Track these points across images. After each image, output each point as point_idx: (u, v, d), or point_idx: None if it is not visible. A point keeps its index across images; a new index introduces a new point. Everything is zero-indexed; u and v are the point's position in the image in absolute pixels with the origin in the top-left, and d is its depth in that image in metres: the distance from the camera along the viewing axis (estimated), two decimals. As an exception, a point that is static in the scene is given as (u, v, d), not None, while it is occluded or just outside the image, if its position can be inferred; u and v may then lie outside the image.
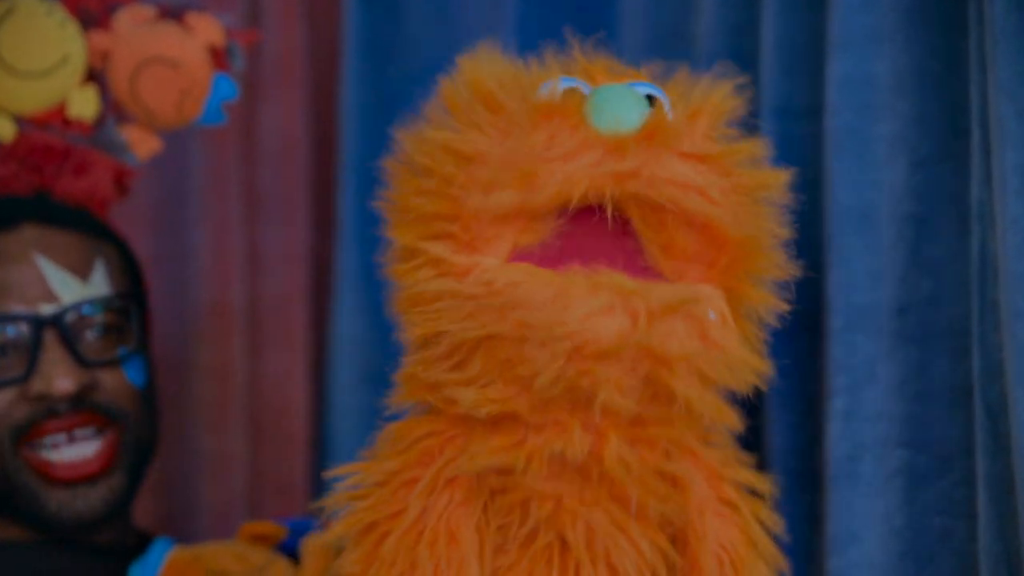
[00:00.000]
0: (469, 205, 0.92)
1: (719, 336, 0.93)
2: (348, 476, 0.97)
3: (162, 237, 1.53)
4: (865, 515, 1.11)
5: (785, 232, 0.99)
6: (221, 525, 1.51)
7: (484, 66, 0.97)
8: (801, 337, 1.18)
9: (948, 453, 1.10)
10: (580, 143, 0.91)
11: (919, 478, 1.10)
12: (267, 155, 1.55)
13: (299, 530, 1.18)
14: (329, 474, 0.97)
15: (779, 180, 0.99)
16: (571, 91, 0.94)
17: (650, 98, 0.95)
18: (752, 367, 0.96)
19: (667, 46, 1.34)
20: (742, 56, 1.25)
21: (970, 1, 1.06)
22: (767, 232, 0.98)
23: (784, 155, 1.19)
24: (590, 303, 0.89)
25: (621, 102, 0.92)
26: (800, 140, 1.18)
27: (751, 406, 1.24)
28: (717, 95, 0.98)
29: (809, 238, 1.17)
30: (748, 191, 0.97)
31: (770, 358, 1.19)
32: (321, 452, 1.55)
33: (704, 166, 0.94)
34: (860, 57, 1.12)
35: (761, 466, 1.21)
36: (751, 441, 1.24)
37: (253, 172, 1.56)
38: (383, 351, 1.38)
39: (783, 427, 1.19)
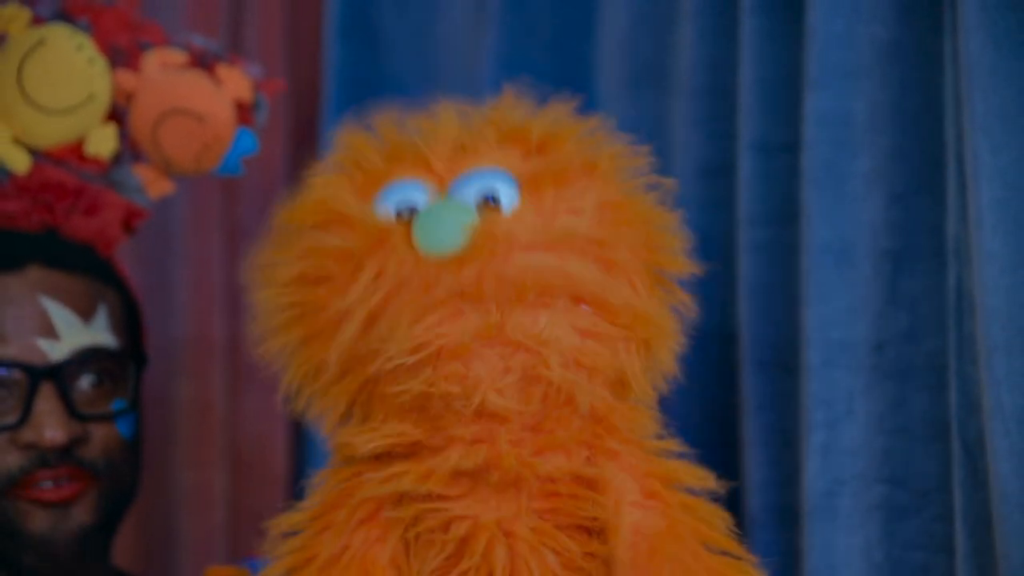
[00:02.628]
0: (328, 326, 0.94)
1: (598, 328, 0.92)
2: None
3: (143, 272, 1.53)
4: (844, 550, 1.11)
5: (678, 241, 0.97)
6: (201, 560, 1.50)
7: (325, 182, 0.97)
8: (779, 372, 1.19)
9: (926, 488, 1.10)
10: (408, 273, 0.91)
11: (898, 513, 1.11)
12: (248, 191, 1.55)
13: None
14: (266, 523, 0.98)
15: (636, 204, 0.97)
16: (403, 210, 0.93)
17: (486, 198, 0.93)
18: (651, 344, 0.95)
19: (645, 81, 1.35)
20: (720, 91, 1.26)
21: (946, 38, 1.07)
22: (646, 271, 0.96)
23: (762, 190, 1.20)
24: (441, 311, 0.90)
25: (444, 223, 0.91)
26: (777, 175, 1.19)
27: (728, 441, 1.25)
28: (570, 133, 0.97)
29: (786, 274, 1.18)
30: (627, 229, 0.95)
31: (748, 395, 1.20)
32: (301, 488, 1.54)
33: (549, 253, 0.92)
34: (837, 93, 1.12)
35: (736, 498, 1.22)
36: (729, 475, 1.25)
37: (235, 208, 1.56)
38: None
39: (762, 462, 1.19)
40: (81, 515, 1.19)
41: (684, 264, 0.97)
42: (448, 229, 0.91)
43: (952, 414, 1.05)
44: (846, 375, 1.12)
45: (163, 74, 1.21)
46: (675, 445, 0.97)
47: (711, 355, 1.27)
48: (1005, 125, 0.98)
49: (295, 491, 1.53)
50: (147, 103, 1.20)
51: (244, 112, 1.23)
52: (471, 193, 0.93)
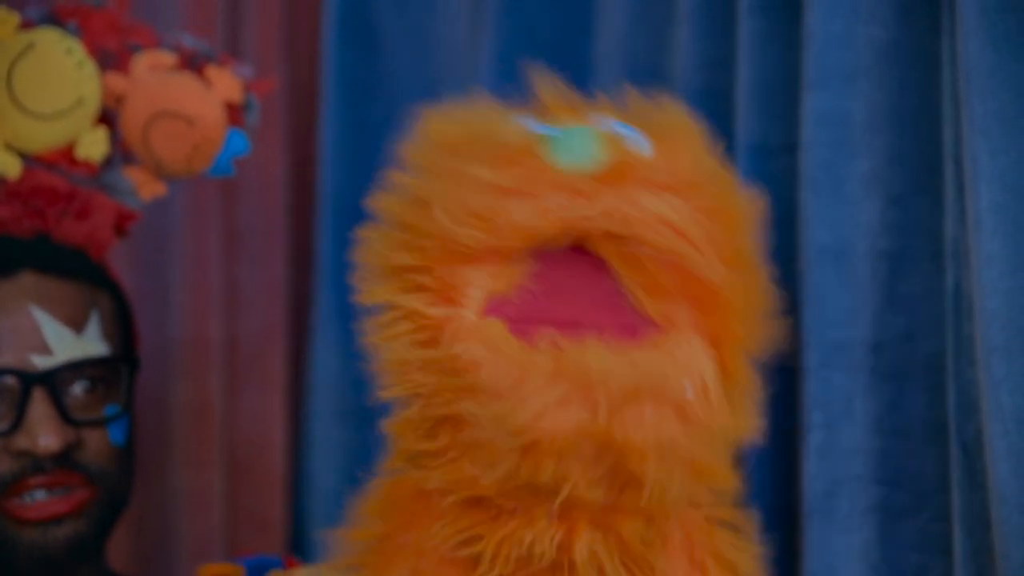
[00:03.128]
0: (435, 251, 0.89)
1: (698, 412, 0.88)
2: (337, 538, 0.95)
3: (141, 273, 1.53)
4: (842, 551, 1.11)
5: (767, 265, 0.96)
6: (198, 562, 1.50)
7: (447, 117, 0.94)
8: (777, 373, 1.19)
9: (924, 489, 1.10)
10: (544, 184, 0.88)
11: (895, 514, 1.11)
12: (246, 192, 1.55)
13: (256, 569, 1.18)
14: (324, 535, 0.95)
15: (757, 210, 0.96)
16: (534, 135, 0.92)
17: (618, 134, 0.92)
18: (740, 431, 0.92)
19: (643, 82, 1.34)
20: (718, 93, 1.26)
21: (944, 39, 1.07)
22: (751, 266, 0.94)
23: (759, 192, 1.20)
24: (546, 396, 0.85)
25: (583, 141, 0.89)
26: (775, 177, 1.19)
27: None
28: (690, 126, 0.96)
29: (784, 275, 1.18)
30: (728, 222, 0.93)
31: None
32: (299, 488, 1.54)
33: (678, 199, 0.90)
34: (835, 94, 1.12)
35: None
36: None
37: (232, 209, 1.56)
38: (361, 388, 1.37)
39: (759, 463, 1.19)
40: (75, 523, 1.19)
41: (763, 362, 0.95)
42: (590, 146, 0.89)
43: (950, 415, 1.05)
44: (844, 376, 1.12)
45: (153, 76, 1.21)
46: (734, 515, 0.96)
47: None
48: (1004, 127, 0.99)
49: (294, 492, 1.54)
50: (137, 106, 1.21)
51: (235, 113, 1.23)
52: (612, 127, 0.92)
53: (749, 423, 0.92)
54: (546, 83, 0.96)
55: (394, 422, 0.92)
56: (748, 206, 0.95)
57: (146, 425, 1.42)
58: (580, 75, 1.38)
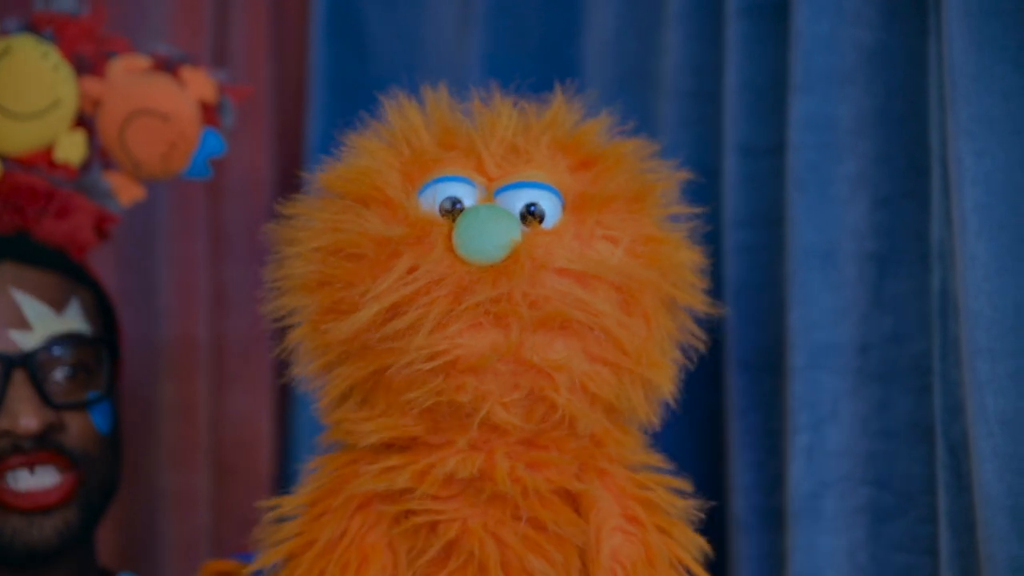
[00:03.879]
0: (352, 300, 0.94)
1: (608, 347, 0.94)
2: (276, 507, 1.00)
3: (127, 274, 1.53)
4: (829, 552, 1.11)
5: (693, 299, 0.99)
6: (185, 562, 1.50)
7: (371, 151, 0.98)
8: (764, 375, 1.19)
9: (911, 490, 1.10)
10: (442, 274, 0.91)
11: (882, 515, 1.11)
12: (233, 192, 1.55)
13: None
14: (260, 505, 1.00)
15: (680, 259, 0.98)
16: (445, 209, 0.94)
17: (530, 209, 0.94)
18: (654, 381, 0.97)
19: (631, 84, 1.35)
20: (706, 94, 1.26)
21: (930, 43, 1.07)
22: (668, 316, 0.98)
23: (747, 193, 1.20)
24: (461, 319, 0.91)
25: (486, 230, 0.91)
26: (763, 178, 1.19)
27: (714, 443, 1.26)
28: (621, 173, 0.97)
29: (771, 276, 1.18)
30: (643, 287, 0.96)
31: (733, 397, 1.20)
32: (286, 489, 1.54)
33: (583, 282, 0.93)
34: (822, 97, 1.13)
35: (722, 502, 1.22)
36: (714, 477, 1.25)
37: (219, 209, 1.56)
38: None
39: (747, 464, 1.19)
40: (63, 513, 1.19)
41: (703, 302, 0.99)
42: (491, 239, 0.91)
43: (936, 417, 1.05)
44: (831, 377, 1.12)
45: (128, 78, 1.22)
46: (659, 460, 1.00)
47: (696, 356, 1.27)
48: (989, 130, 0.99)
49: (280, 493, 1.54)
50: (113, 106, 1.22)
51: (210, 113, 1.25)
52: (518, 202, 0.95)
53: (665, 371, 0.97)
54: (482, 133, 0.98)
55: (328, 399, 0.97)
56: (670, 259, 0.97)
57: (133, 425, 1.42)
58: (568, 77, 1.38)
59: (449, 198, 0.94)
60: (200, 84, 1.24)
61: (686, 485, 0.99)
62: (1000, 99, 0.99)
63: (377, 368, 0.94)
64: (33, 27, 1.23)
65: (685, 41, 1.28)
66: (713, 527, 1.25)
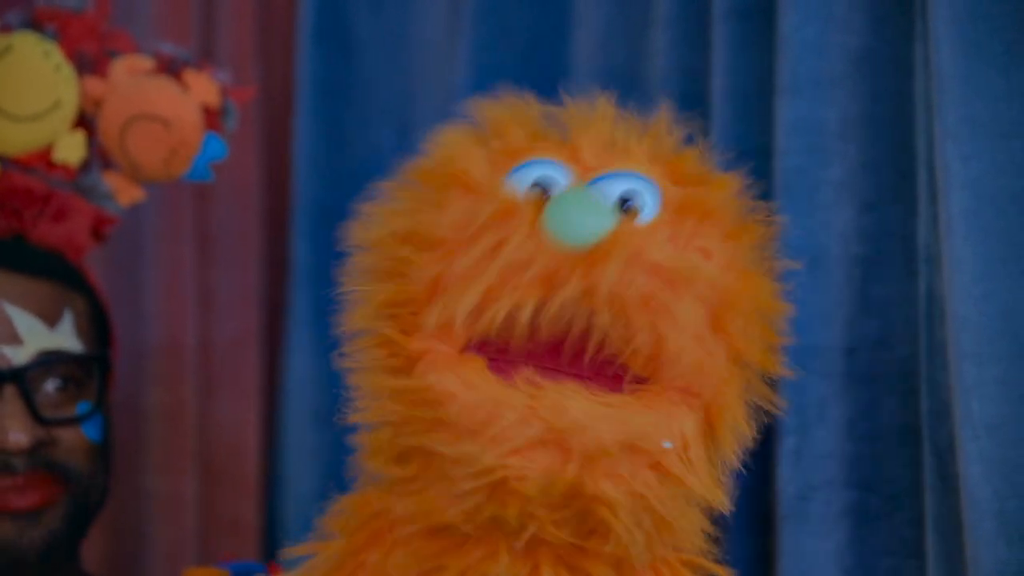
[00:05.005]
0: (419, 286, 0.87)
1: (674, 470, 0.86)
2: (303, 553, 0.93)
3: (115, 277, 1.52)
4: (815, 555, 1.11)
5: (777, 338, 0.92)
6: (173, 567, 1.50)
7: (457, 141, 0.91)
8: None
9: (897, 493, 1.11)
10: (530, 256, 0.84)
11: (869, 518, 1.11)
12: (220, 196, 1.55)
13: (242, 573, 1.18)
14: (285, 555, 0.93)
15: (766, 289, 0.91)
16: (536, 189, 0.88)
17: (624, 200, 0.88)
18: (712, 497, 0.89)
19: (619, 88, 1.35)
20: (693, 98, 1.26)
21: (916, 47, 1.08)
22: (751, 349, 0.90)
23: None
24: (518, 436, 0.83)
25: (580, 214, 0.84)
26: (750, 182, 1.19)
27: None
28: (717, 187, 0.91)
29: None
30: (729, 306, 0.88)
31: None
32: (273, 493, 1.54)
33: (672, 283, 0.86)
34: (809, 101, 1.13)
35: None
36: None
37: (206, 212, 1.56)
38: (335, 392, 1.37)
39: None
40: (50, 522, 1.18)
41: (775, 366, 0.92)
42: (585, 221, 0.84)
43: (923, 420, 1.06)
44: (818, 380, 1.12)
45: (130, 80, 1.21)
46: (705, 561, 0.93)
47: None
48: (976, 133, 0.99)
49: (269, 497, 1.54)
50: (114, 109, 1.21)
51: (212, 117, 1.23)
52: (615, 190, 0.88)
53: (717, 494, 0.89)
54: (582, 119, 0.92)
55: (365, 443, 0.90)
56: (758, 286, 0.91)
57: (120, 429, 1.42)
58: (556, 80, 1.38)
59: (540, 181, 0.88)
60: (204, 88, 1.22)
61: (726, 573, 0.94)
62: (987, 103, 0.99)
63: (424, 445, 0.86)
64: (36, 23, 1.21)
65: (672, 45, 1.28)
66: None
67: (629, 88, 1.34)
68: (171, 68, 1.23)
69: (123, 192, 1.24)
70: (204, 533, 1.53)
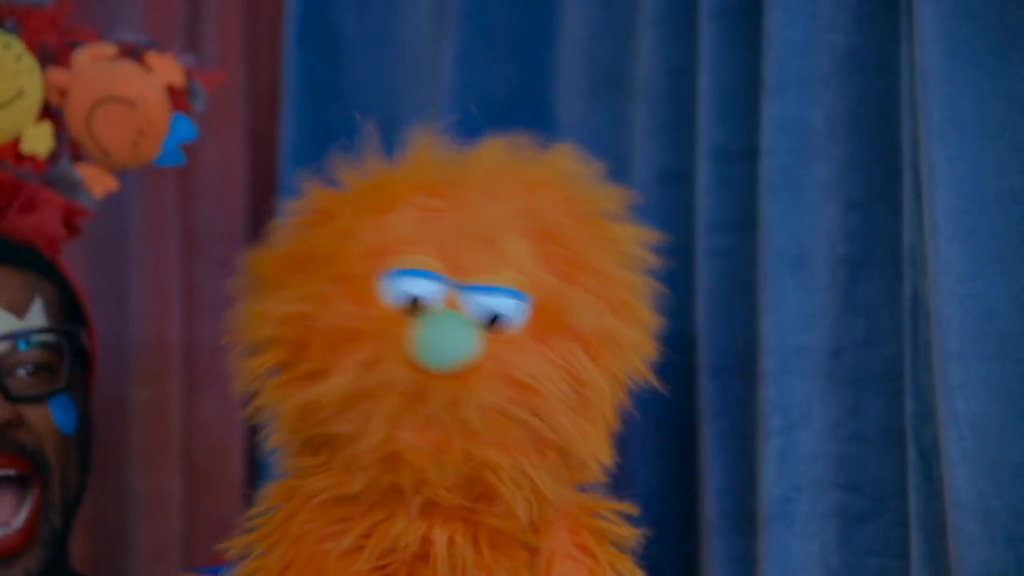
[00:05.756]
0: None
1: (553, 439, 0.95)
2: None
3: (98, 276, 1.52)
4: (800, 556, 1.11)
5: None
6: (156, 567, 1.50)
7: (339, 226, 0.98)
8: (736, 379, 1.19)
9: (882, 494, 1.11)
10: (394, 377, 0.92)
11: (854, 519, 1.11)
12: (205, 194, 1.55)
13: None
14: (223, 546, 1.02)
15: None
16: (406, 305, 0.94)
17: (494, 318, 0.95)
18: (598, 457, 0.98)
19: (604, 88, 1.35)
20: (679, 99, 1.26)
21: (902, 47, 1.07)
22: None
23: (720, 197, 1.21)
24: (411, 422, 0.93)
25: (444, 339, 0.92)
26: (736, 182, 1.19)
27: (686, 447, 1.26)
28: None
29: (744, 280, 1.18)
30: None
31: (706, 401, 1.20)
32: (257, 493, 1.53)
33: (536, 393, 0.94)
34: (795, 101, 1.13)
35: (694, 506, 1.22)
36: (687, 481, 1.25)
37: (191, 211, 1.55)
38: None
39: (719, 468, 1.19)
40: (24, 558, 1.18)
41: (643, 372, 1.01)
42: (449, 350, 0.92)
43: (908, 421, 1.06)
44: (803, 381, 1.12)
45: (94, 66, 1.21)
46: (611, 503, 1.01)
47: (668, 361, 1.27)
48: (961, 134, 0.99)
49: (252, 499, 1.54)
50: (79, 95, 1.21)
51: (179, 98, 1.23)
52: (483, 307, 0.95)
53: (606, 447, 0.98)
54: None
55: (280, 445, 1.00)
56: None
57: (104, 428, 1.41)
58: (542, 82, 1.38)
59: (411, 296, 0.95)
60: (166, 69, 1.22)
61: (631, 509, 1.00)
62: (972, 103, 0.99)
63: (326, 437, 0.96)
64: None
65: (658, 45, 1.28)
66: (686, 531, 1.26)
67: (614, 89, 1.35)
68: (133, 53, 1.23)
69: (96, 182, 1.23)
70: (188, 533, 1.52)
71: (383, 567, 0.96)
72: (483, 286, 0.95)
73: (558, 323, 0.95)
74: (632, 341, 0.99)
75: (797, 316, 1.12)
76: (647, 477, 1.28)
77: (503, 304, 0.95)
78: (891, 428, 1.10)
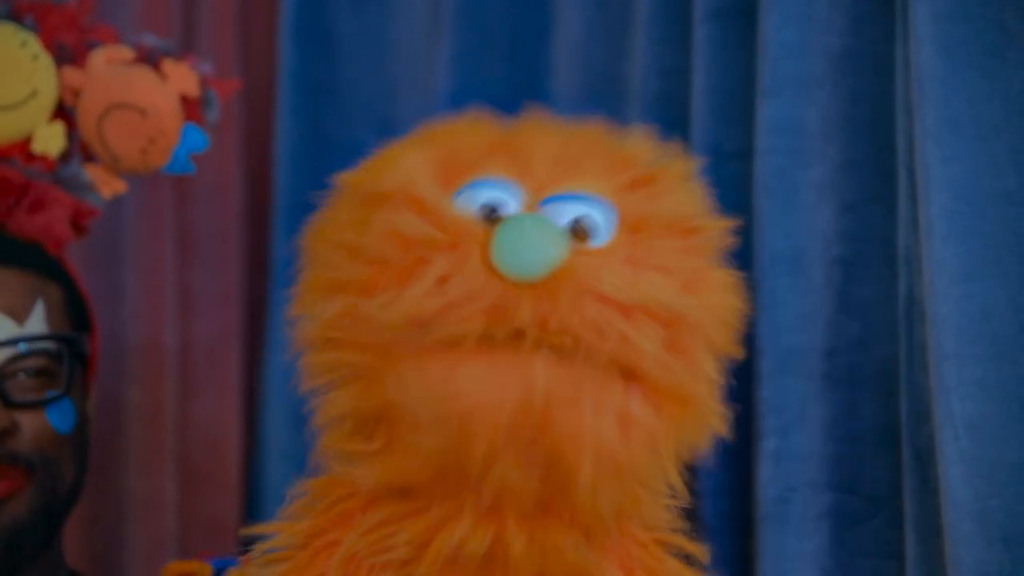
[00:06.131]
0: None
1: (640, 425, 0.84)
2: (269, 534, 0.92)
3: (94, 277, 1.51)
4: (795, 556, 1.11)
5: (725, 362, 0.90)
6: (152, 567, 1.49)
7: (406, 154, 0.88)
8: (731, 379, 1.19)
9: (877, 495, 1.11)
10: (478, 289, 0.81)
11: (848, 519, 1.11)
12: (200, 195, 1.55)
13: (224, 568, 1.17)
14: (250, 531, 0.92)
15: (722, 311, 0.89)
16: (484, 215, 0.85)
17: (579, 224, 0.86)
18: (670, 478, 0.87)
19: (600, 88, 1.35)
20: (674, 99, 1.26)
21: (897, 47, 1.08)
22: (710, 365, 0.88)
23: (714, 198, 1.20)
24: (486, 375, 0.81)
25: (529, 245, 0.81)
26: (730, 183, 1.19)
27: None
28: (671, 203, 0.88)
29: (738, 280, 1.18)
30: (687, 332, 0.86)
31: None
32: (253, 494, 1.54)
33: (627, 311, 0.83)
34: (790, 102, 1.13)
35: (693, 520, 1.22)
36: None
37: (186, 212, 1.55)
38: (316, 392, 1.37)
39: (714, 468, 1.19)
40: (14, 511, 1.17)
41: (739, 351, 0.90)
42: (533, 254, 0.81)
43: (903, 421, 1.06)
44: (798, 382, 1.12)
45: (109, 69, 1.21)
46: (679, 540, 0.91)
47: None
48: (956, 134, 0.99)
49: (249, 497, 1.54)
50: (92, 98, 1.20)
51: (193, 108, 1.23)
52: (566, 213, 0.86)
53: (709, 422, 0.88)
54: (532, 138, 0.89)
55: (328, 423, 0.88)
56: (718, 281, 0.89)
57: (99, 429, 1.41)
58: (536, 82, 1.38)
59: (489, 203, 0.85)
60: (182, 78, 1.22)
61: (702, 553, 0.91)
62: (967, 104, 0.99)
63: (383, 401, 0.85)
64: (14, 14, 1.21)
65: (653, 45, 1.28)
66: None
67: (609, 89, 1.35)
68: (150, 58, 1.22)
69: (104, 184, 1.23)
70: (183, 533, 1.52)
71: None
72: (565, 194, 0.86)
73: (651, 248, 0.85)
74: (720, 304, 0.88)
75: (792, 316, 1.12)
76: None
77: (588, 210, 0.85)
78: (886, 429, 1.10)
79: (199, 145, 1.22)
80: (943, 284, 0.99)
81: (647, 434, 0.84)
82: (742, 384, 1.17)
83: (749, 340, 1.15)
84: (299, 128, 1.52)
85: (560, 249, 0.82)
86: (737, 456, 1.19)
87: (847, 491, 1.11)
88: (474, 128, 0.90)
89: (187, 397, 1.54)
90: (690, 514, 0.91)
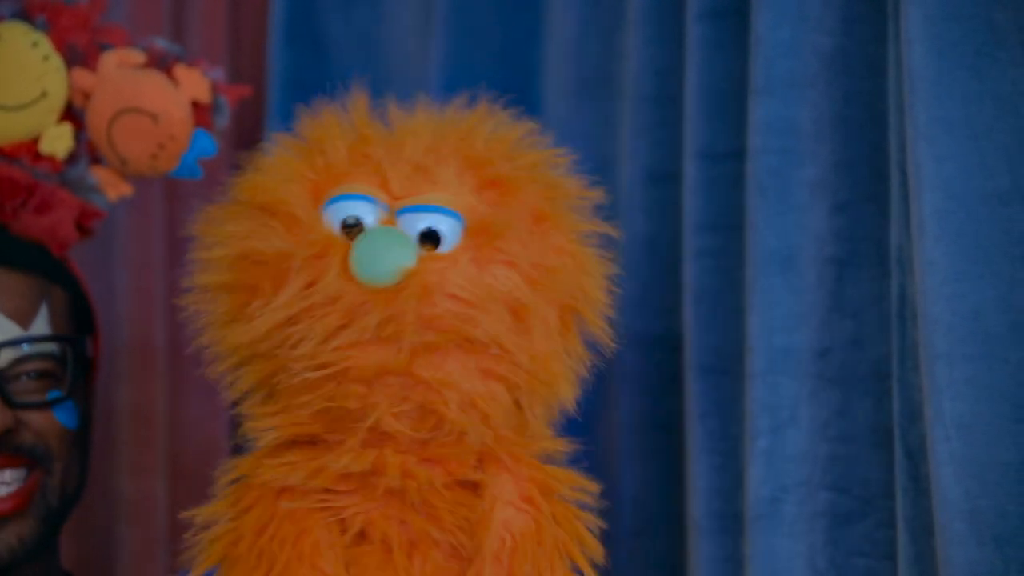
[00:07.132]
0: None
1: (501, 375, 0.97)
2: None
3: (85, 278, 1.51)
4: (788, 556, 1.11)
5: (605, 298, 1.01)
6: (142, 568, 1.49)
7: (278, 168, 1.02)
8: (724, 379, 1.19)
9: (870, 494, 1.11)
10: (333, 293, 0.95)
11: (841, 519, 1.11)
12: (191, 196, 1.54)
13: None
14: (184, 515, 1.04)
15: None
16: (347, 225, 0.98)
17: (428, 233, 0.98)
18: (552, 395, 1.00)
19: (591, 88, 1.35)
20: (666, 99, 1.26)
21: (890, 47, 1.08)
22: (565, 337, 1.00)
23: (707, 198, 1.21)
24: (353, 335, 0.94)
25: (379, 253, 0.95)
26: (723, 183, 1.19)
27: (673, 447, 1.26)
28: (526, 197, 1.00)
29: (731, 281, 1.18)
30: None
31: (693, 401, 1.21)
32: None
33: (474, 306, 0.96)
34: (782, 101, 1.13)
35: (681, 506, 1.22)
36: (674, 481, 1.25)
37: (176, 214, 1.55)
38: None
39: (706, 469, 1.19)
40: (16, 522, 1.17)
41: (602, 327, 1.01)
42: (385, 263, 0.95)
43: (895, 421, 1.06)
44: (790, 381, 1.12)
45: (120, 73, 1.20)
46: (562, 445, 1.01)
47: (656, 361, 1.27)
48: (948, 134, 0.99)
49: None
50: (102, 102, 1.20)
51: (202, 113, 1.23)
52: (420, 223, 0.98)
53: (563, 384, 1.00)
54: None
55: (240, 396, 1.01)
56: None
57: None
58: (528, 81, 1.38)
59: (349, 217, 0.98)
60: (194, 84, 1.22)
61: (592, 485, 1.01)
62: (959, 104, 0.99)
63: (274, 370, 0.98)
64: (26, 13, 1.21)
65: (646, 45, 1.28)
66: (673, 531, 1.26)
67: (601, 89, 1.35)
68: (162, 63, 1.22)
69: (111, 186, 1.23)
70: (173, 534, 1.52)
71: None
72: (416, 206, 0.98)
73: (493, 248, 0.97)
74: (574, 283, 1.00)
75: (785, 316, 1.12)
76: (634, 477, 1.28)
77: (436, 220, 0.98)
78: (878, 428, 1.10)
79: (208, 151, 1.22)
80: (935, 283, 0.99)
81: (507, 381, 0.97)
82: (734, 384, 1.18)
83: (741, 340, 1.16)
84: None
85: (408, 257, 0.95)
86: (730, 456, 1.19)
87: (840, 491, 1.11)
88: (343, 134, 1.03)
89: (177, 398, 1.54)
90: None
